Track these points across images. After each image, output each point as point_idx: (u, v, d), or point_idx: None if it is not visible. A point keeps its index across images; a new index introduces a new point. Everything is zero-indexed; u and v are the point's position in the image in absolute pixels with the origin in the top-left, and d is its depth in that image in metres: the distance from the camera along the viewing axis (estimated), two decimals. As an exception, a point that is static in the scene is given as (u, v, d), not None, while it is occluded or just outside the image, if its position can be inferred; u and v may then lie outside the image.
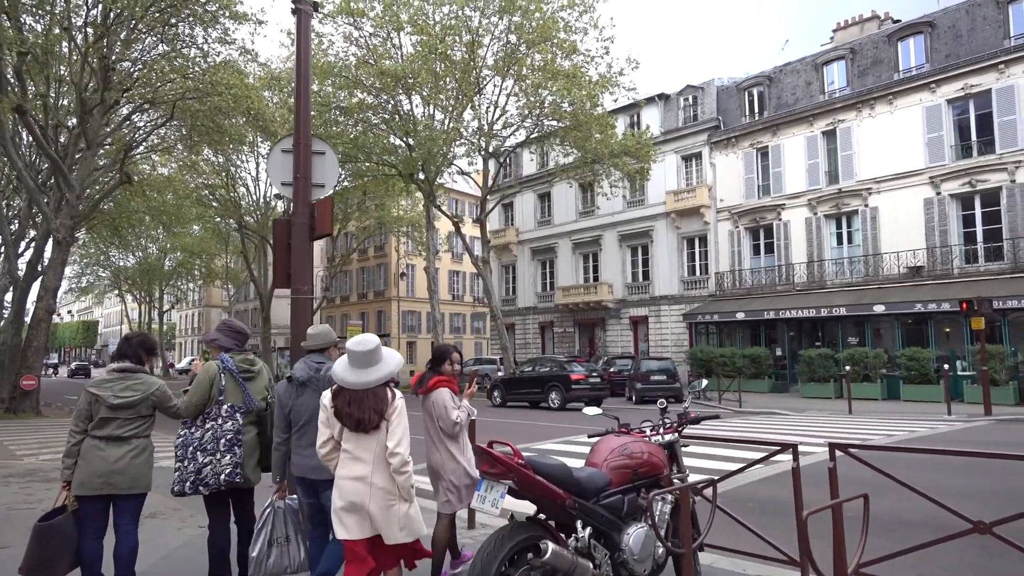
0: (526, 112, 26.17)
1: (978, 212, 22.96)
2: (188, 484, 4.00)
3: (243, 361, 4.26)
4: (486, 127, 26.43)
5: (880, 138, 25.03)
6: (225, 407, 4.08)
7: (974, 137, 23.18)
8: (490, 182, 29.57)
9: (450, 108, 25.48)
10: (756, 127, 28.73)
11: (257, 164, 35.92)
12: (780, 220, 27.78)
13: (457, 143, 27.07)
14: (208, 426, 4.05)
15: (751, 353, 24.99)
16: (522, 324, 38.33)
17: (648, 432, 4.08)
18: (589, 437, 4.31)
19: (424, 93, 25.69)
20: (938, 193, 23.57)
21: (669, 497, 3.75)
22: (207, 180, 34.44)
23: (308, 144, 6.15)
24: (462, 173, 29.86)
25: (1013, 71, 22.16)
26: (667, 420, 4.15)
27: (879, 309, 22.59)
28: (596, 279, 34.82)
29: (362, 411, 3.29)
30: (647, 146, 25.73)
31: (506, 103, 26.55)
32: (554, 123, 26.69)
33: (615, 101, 25.55)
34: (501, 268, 39.71)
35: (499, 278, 39.30)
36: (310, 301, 6.15)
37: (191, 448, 4.03)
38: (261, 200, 37.11)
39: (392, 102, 26.23)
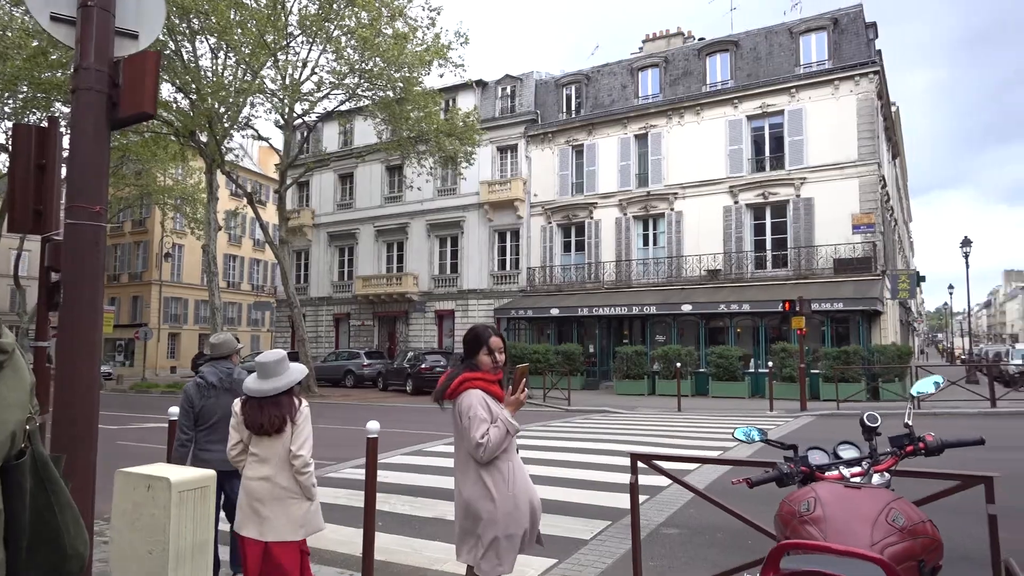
0: (340, 77, 23.14)
1: (768, 222, 24.88)
2: None
3: None
4: (290, 86, 22.90)
5: (687, 146, 26.17)
6: None
7: (768, 152, 25.11)
8: (293, 152, 25.92)
9: (247, 57, 21.58)
10: (573, 124, 28.69)
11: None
12: (592, 218, 27.96)
13: (256, 100, 23.21)
14: None
15: (565, 350, 24.64)
16: (314, 316, 34.73)
17: (854, 471, 2.31)
18: (751, 487, 2.41)
19: (212, 41, 21.55)
20: (736, 202, 25.15)
21: None
22: None
23: (109, -45, 3.43)
24: (259, 138, 25.76)
25: (802, 96, 24.32)
26: (879, 449, 2.40)
27: (687, 308, 23.42)
28: (401, 269, 32.60)
29: (264, 416, 3.55)
30: (472, 128, 24.19)
31: (317, 62, 23.30)
32: (370, 95, 23.98)
33: (441, 77, 23.66)
34: (292, 253, 35.72)
35: (290, 265, 35.27)
36: (99, 236, 3.45)
37: None
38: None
39: (173, 42, 21.62)
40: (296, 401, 3.66)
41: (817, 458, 2.36)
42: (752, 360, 22.38)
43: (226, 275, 48.10)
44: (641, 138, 27.36)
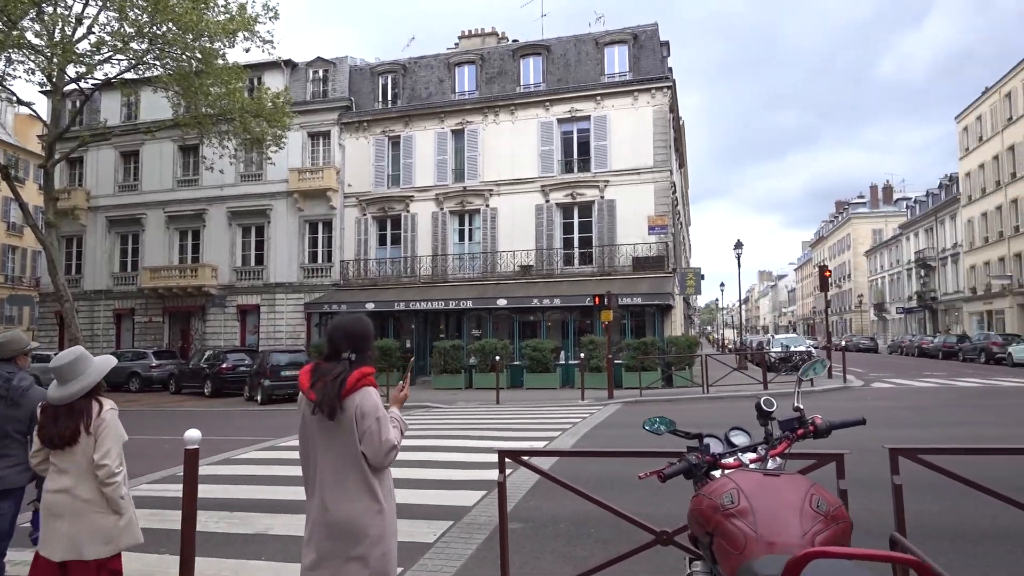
0: (124, 40, 20.35)
1: (576, 221, 26.25)
2: None
3: None
4: (60, 43, 19.71)
5: (503, 144, 26.78)
6: None
7: (576, 155, 26.48)
8: (63, 122, 22.40)
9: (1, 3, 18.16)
10: (390, 115, 28.06)
11: None
12: (408, 212, 27.59)
13: (14, 56, 19.68)
14: None
15: (381, 345, 23.97)
16: (89, 312, 30.49)
17: (750, 457, 2.32)
18: (663, 480, 2.31)
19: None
20: (547, 201, 26.22)
21: None
22: None
23: None
24: (19, 102, 21.82)
25: (607, 104, 25.96)
26: (775, 433, 2.42)
27: (502, 303, 23.97)
28: (197, 260, 29.70)
29: (56, 426, 3.28)
30: (282, 110, 22.61)
31: (96, 19, 20.31)
32: (162, 64, 21.43)
33: (247, 52, 21.78)
34: (62, 240, 31.01)
35: (58, 253, 30.57)
36: None
37: None
38: None
39: None
40: (96, 405, 3.35)
41: (715, 446, 2.38)
42: (562, 352, 23.49)
43: (-31, 264, 40.59)
44: (458, 133, 27.49)
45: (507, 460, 3.74)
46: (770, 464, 2.27)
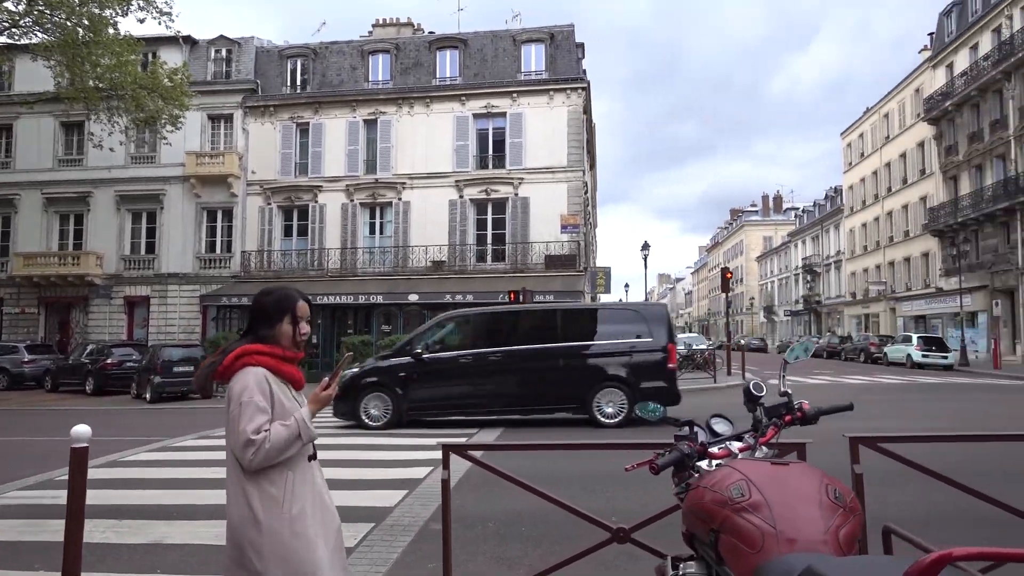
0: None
1: (490, 218, 26.09)
2: None
3: None
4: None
5: (417, 137, 26.24)
6: None
7: (491, 151, 26.31)
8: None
9: None
10: (299, 100, 26.89)
11: None
12: (317, 202, 26.54)
13: None
14: None
15: (285, 341, 22.91)
16: (-51, 301, 27.43)
17: (738, 446, 2.13)
18: (656, 472, 2.07)
19: None
20: (461, 196, 25.92)
21: None
22: None
23: None
24: None
25: (523, 101, 25.95)
26: (764, 420, 2.24)
27: (413, 298, 23.47)
28: (80, 247, 27.33)
29: None
30: (180, 88, 21.10)
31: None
32: (42, 29, 19.52)
33: (141, 23, 20.14)
34: (-85, 219, 27.87)
35: (-90, 233, 27.41)
36: None
37: None
38: None
39: None
40: None
41: (702, 435, 2.20)
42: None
43: None
44: (371, 123, 26.70)
45: (451, 455, 3.44)
46: (759, 453, 2.12)
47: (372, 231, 26.71)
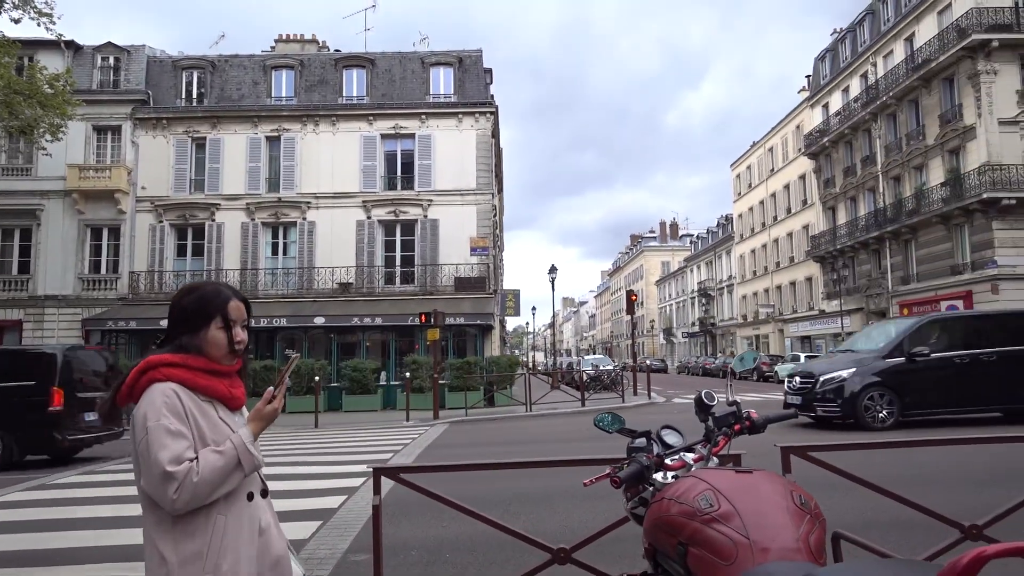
0: None
1: (399, 239, 25.74)
2: None
3: None
4: None
5: (322, 155, 25.61)
6: None
7: (399, 172, 26.05)
8: None
9: None
10: (195, 114, 25.65)
11: None
12: (214, 221, 25.28)
13: None
14: None
15: (178, 367, 21.47)
16: None
17: (692, 457, 2.10)
18: (618, 486, 2.00)
19: None
20: (369, 217, 25.44)
21: None
22: None
23: None
24: None
25: (432, 123, 25.92)
26: (717, 429, 2.21)
27: (320, 321, 22.69)
28: (-63, 266, 24.69)
29: None
30: (62, 95, 19.61)
31: None
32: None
33: (16, 23, 18.62)
34: None
35: None
36: None
37: None
38: None
39: None
40: None
41: (655, 447, 2.18)
42: (383, 373, 22.72)
43: None
44: (274, 140, 25.84)
45: (382, 478, 3.27)
46: (712, 463, 2.13)
47: (275, 251, 25.70)
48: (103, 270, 25.08)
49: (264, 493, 1.93)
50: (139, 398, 1.78)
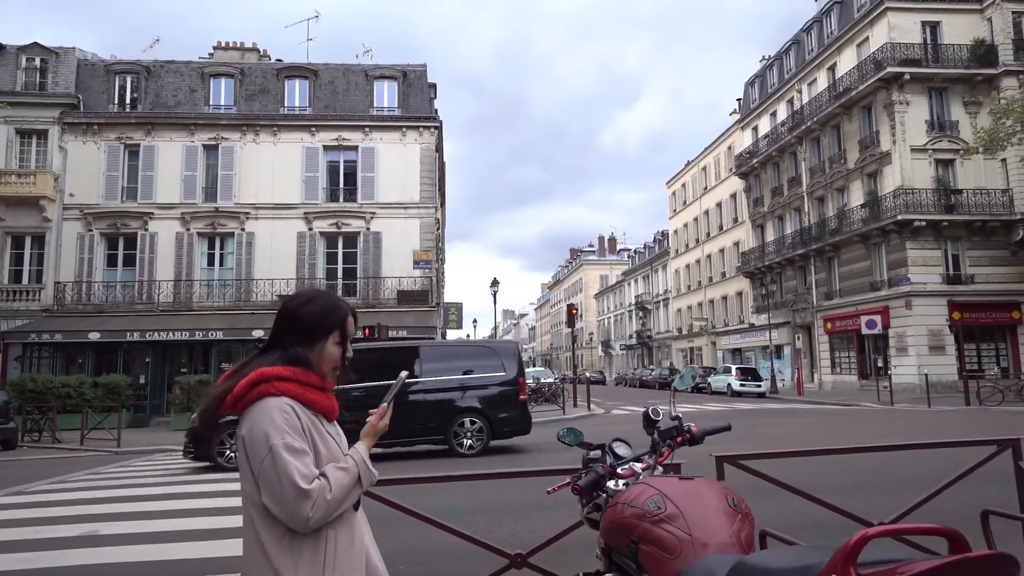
0: None
1: (340, 251, 25.57)
2: None
3: None
4: None
5: (263, 166, 25.25)
6: None
7: (342, 184, 25.92)
8: None
9: None
10: (128, 120, 24.93)
11: None
12: (147, 230, 24.55)
13: None
14: None
15: (107, 382, 20.69)
16: None
17: (640, 466, 2.37)
18: (579, 493, 2.25)
19: None
20: (310, 229, 25.20)
21: None
22: None
23: None
24: None
25: (375, 136, 25.94)
26: (660, 442, 2.49)
27: (258, 334, 22.26)
28: None
29: None
30: (-14, 99, 18.77)
31: None
32: None
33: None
34: None
35: None
36: None
37: None
38: None
39: None
40: None
41: (608, 458, 2.46)
42: (322, 386, 22.44)
43: None
44: (211, 149, 25.32)
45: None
46: (657, 472, 2.42)
47: (211, 263, 25.12)
48: (25, 280, 23.97)
49: (357, 505, 1.89)
50: (244, 409, 1.74)
